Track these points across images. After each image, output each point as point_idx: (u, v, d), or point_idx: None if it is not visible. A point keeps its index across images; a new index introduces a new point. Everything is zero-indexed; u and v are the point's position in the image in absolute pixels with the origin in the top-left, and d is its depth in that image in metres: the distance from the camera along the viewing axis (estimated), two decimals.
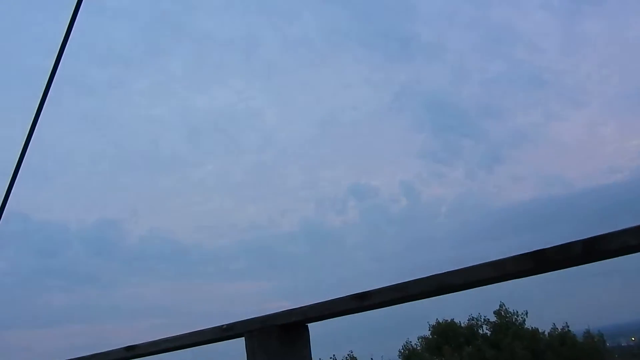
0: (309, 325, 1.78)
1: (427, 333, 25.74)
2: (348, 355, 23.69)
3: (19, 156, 3.50)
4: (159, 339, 2.07)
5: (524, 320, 24.79)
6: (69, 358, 2.61)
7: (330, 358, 23.39)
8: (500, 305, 25.15)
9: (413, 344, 25.77)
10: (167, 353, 2.26)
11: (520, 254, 1.27)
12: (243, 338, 1.82)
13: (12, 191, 3.50)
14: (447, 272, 1.34)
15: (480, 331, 25.49)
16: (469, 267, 1.31)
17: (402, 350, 25.59)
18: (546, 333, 24.72)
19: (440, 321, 25.59)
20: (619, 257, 1.31)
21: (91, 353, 2.49)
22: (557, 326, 24.49)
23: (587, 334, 24.86)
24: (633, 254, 1.29)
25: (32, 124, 3.45)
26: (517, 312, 24.95)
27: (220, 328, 1.86)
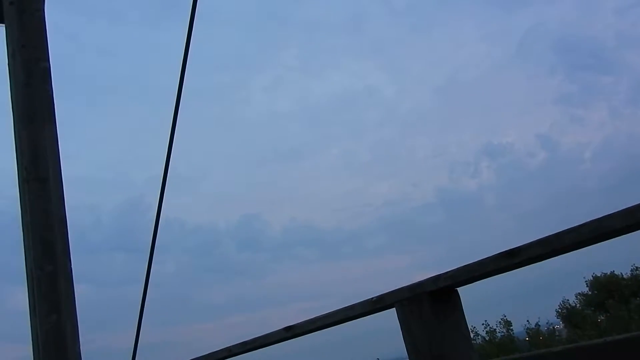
0: (459, 291, 1.75)
1: (585, 289, 24.08)
2: (502, 319, 22.87)
3: (164, 167, 3.83)
4: (315, 317, 2.15)
5: None
6: (233, 344, 2.82)
7: (483, 324, 22.78)
8: None
9: (571, 302, 24.27)
10: (322, 330, 2.35)
11: None
12: (394, 309, 1.83)
13: (165, 200, 3.84)
14: (605, 216, 1.23)
15: None
16: (632, 206, 1.19)
17: (560, 310, 24.20)
18: None
19: (599, 275, 23.80)
20: None
21: (252, 337, 2.67)
22: None
23: None
24: None
25: (170, 137, 3.75)
26: None
27: (370, 301, 1.89)
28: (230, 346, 2.85)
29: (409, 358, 1.71)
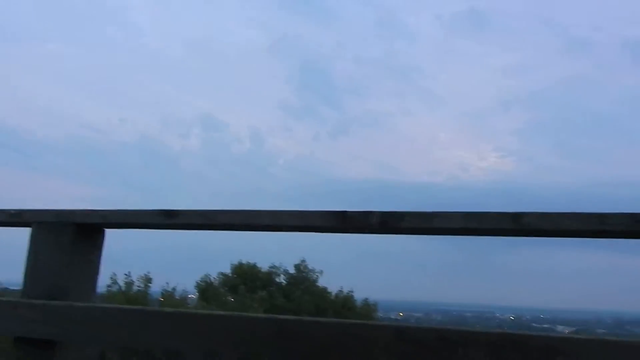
0: (109, 234, 1.73)
1: (228, 271, 26.45)
2: (145, 275, 23.35)
3: None
4: None
5: (317, 278, 26.78)
6: None
7: (125, 274, 22.86)
8: (301, 261, 26.78)
9: (212, 277, 26.31)
10: None
11: (326, 211, 1.37)
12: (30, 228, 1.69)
13: None
14: (256, 210, 1.39)
15: (278, 280, 26.94)
16: (277, 210, 1.38)
17: (200, 282, 25.99)
18: (333, 294, 27.03)
19: (243, 262, 26.46)
20: (410, 235, 1.48)
21: None
22: (343, 290, 26.94)
23: (365, 302, 27.77)
24: (420, 236, 1.47)
25: None
26: (315, 269, 26.84)
27: (7, 212, 1.71)
28: None
29: (24, 281, 1.61)
